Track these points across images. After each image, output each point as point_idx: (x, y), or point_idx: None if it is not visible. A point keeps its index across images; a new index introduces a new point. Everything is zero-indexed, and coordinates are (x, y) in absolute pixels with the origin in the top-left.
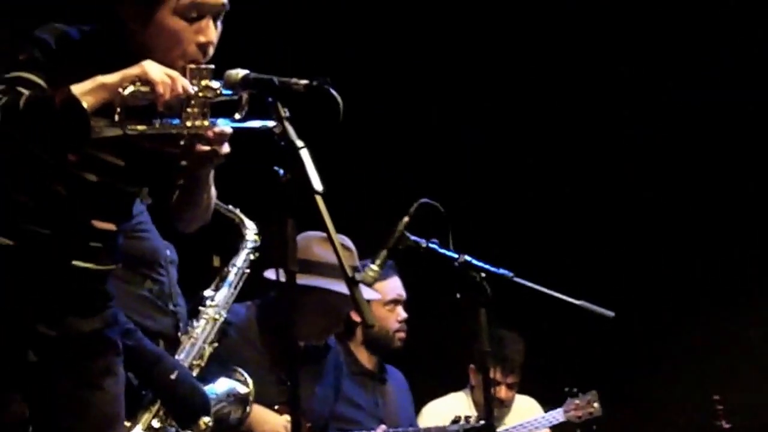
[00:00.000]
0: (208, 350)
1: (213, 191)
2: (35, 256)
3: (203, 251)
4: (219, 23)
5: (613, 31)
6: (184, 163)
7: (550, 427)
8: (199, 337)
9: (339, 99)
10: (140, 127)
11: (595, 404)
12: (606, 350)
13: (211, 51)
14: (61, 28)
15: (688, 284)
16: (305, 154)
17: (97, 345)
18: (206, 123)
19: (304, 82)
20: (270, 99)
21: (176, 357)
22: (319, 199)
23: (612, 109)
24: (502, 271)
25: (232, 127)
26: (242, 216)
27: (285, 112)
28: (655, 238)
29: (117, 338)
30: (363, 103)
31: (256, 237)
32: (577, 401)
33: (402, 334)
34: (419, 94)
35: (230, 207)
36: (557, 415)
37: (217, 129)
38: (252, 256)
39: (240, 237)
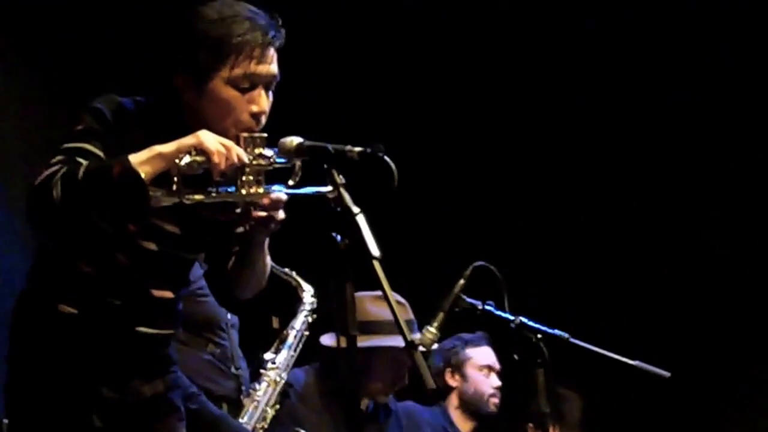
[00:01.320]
0: (270, 413)
1: (268, 259)
2: (100, 324)
3: (262, 314)
4: (270, 93)
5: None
6: (240, 229)
7: None
8: (261, 399)
9: (393, 166)
10: (197, 196)
11: None
12: (662, 410)
13: (263, 120)
14: (116, 98)
15: (745, 345)
16: (362, 220)
17: (160, 409)
18: (261, 190)
19: (358, 149)
20: (325, 166)
21: (240, 420)
22: (376, 264)
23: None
24: (558, 332)
25: (287, 194)
26: (299, 279)
27: (340, 179)
28: (712, 297)
29: (179, 402)
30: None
31: (313, 299)
32: None
33: (496, 400)
34: (473, 157)
35: (287, 270)
36: None
37: (273, 196)
38: (310, 319)
39: (297, 300)
